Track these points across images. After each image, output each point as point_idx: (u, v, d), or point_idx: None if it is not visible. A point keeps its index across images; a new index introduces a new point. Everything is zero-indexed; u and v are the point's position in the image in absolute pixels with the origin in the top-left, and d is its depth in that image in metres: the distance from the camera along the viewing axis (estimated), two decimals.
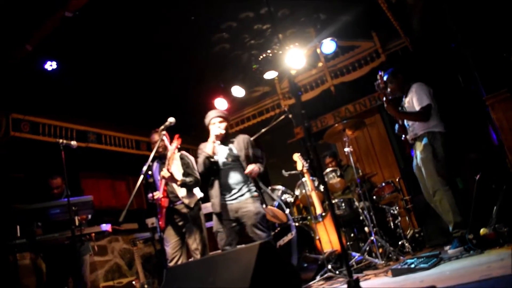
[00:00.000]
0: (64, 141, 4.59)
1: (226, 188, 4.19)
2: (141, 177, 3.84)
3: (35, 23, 5.28)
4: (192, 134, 8.73)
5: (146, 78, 6.98)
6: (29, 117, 6.40)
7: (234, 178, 4.22)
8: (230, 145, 4.37)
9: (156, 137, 4.71)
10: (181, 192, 4.55)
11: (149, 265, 7.27)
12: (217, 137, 4.29)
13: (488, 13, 4.72)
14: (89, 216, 5.43)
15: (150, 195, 4.40)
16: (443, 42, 6.13)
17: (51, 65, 5.82)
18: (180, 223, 4.54)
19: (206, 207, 4.97)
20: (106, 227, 5.03)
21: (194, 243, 4.44)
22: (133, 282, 6.33)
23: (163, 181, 4.36)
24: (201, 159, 4.21)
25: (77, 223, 4.64)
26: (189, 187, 4.54)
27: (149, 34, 6.10)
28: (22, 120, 6.27)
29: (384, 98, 4.54)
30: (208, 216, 4.70)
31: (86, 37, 5.71)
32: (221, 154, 4.30)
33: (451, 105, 5.62)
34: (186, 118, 8.74)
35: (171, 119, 4.21)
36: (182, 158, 4.73)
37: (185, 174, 4.60)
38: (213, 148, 4.22)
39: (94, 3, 5.08)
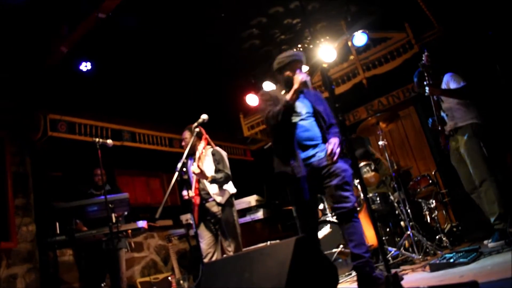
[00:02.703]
0: (100, 140, 4.69)
1: (301, 146, 3.42)
2: (176, 174, 3.87)
3: (69, 25, 5.41)
4: (224, 130, 8.75)
5: (178, 76, 7.06)
6: (66, 117, 6.56)
7: (312, 132, 3.48)
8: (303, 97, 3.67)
9: (186, 134, 4.74)
10: (212, 189, 4.57)
11: (184, 261, 7.37)
12: (302, 84, 3.42)
13: None
14: (126, 213, 5.55)
15: (184, 192, 4.44)
16: (479, 30, 5.93)
17: (86, 66, 5.96)
18: (212, 220, 4.56)
19: (236, 204, 4.98)
20: (142, 223, 5.12)
21: (227, 240, 4.47)
22: (169, 278, 6.43)
23: (194, 177, 4.39)
24: (276, 108, 3.41)
25: (113, 220, 4.74)
26: (220, 184, 4.55)
27: (181, 32, 6.17)
28: (59, 121, 6.44)
29: (426, 83, 4.48)
30: (241, 212, 4.71)
31: (120, 38, 5.82)
32: (298, 105, 3.57)
33: (488, 96, 5.45)
34: (219, 114, 8.81)
35: (204, 116, 4.22)
36: (213, 154, 4.74)
37: (216, 170, 4.61)
38: (294, 95, 3.42)
39: (127, 4, 5.16)
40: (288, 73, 3.61)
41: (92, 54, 5.98)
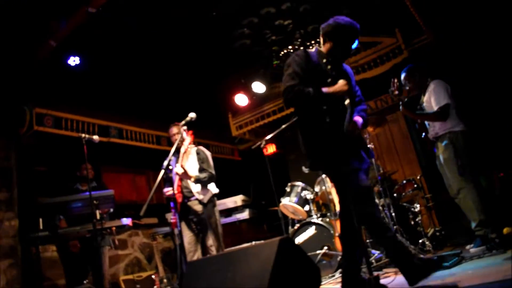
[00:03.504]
0: (87, 136, 4.65)
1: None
2: (162, 172, 3.85)
3: (59, 19, 5.36)
4: (212, 129, 8.74)
5: (167, 73, 7.03)
6: (52, 111, 6.50)
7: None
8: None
9: (174, 129, 4.73)
10: (195, 187, 4.56)
11: (168, 260, 7.34)
12: (341, 92, 3.08)
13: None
14: (111, 210, 5.51)
15: (166, 189, 4.42)
16: (468, 37, 6.00)
17: (74, 61, 5.90)
18: (194, 219, 4.55)
19: (222, 204, 4.98)
20: (127, 221, 5.08)
21: (209, 239, 4.46)
22: (153, 276, 6.40)
23: (176, 176, 4.36)
24: (306, 89, 3.05)
25: (98, 217, 4.70)
26: (204, 183, 4.54)
27: (171, 29, 6.14)
28: (45, 115, 6.37)
29: (400, 103, 4.50)
30: (222, 212, 4.71)
31: (109, 33, 5.78)
32: None
33: (475, 102, 5.52)
34: (208, 113, 8.80)
35: (192, 114, 4.19)
36: (198, 153, 4.72)
37: (200, 169, 4.60)
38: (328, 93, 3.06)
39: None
40: (337, 46, 3.26)
41: (82, 48, 5.92)
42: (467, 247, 4.40)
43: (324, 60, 3.14)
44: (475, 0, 5.19)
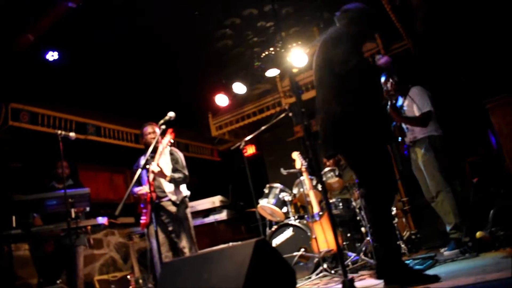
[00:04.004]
0: (63, 133, 4.58)
1: None
2: (139, 171, 3.82)
3: (38, 12, 5.27)
4: (192, 129, 8.70)
5: (147, 72, 6.97)
6: (29, 107, 6.39)
7: None
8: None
9: (149, 129, 4.66)
10: (168, 187, 4.51)
11: (144, 260, 7.26)
12: None
13: (491, 18, 4.72)
14: (87, 209, 5.43)
15: (137, 188, 4.35)
16: (446, 44, 6.11)
17: (52, 55, 5.81)
18: (166, 220, 4.48)
19: (200, 204, 4.95)
20: (103, 220, 5.01)
21: (182, 240, 4.41)
22: (128, 277, 6.32)
23: (151, 175, 4.25)
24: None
25: (73, 215, 4.62)
26: (177, 183, 4.51)
27: (152, 27, 6.09)
28: (21, 110, 6.25)
29: (389, 103, 4.53)
30: (200, 213, 4.67)
31: (89, 29, 5.70)
32: None
33: (451, 108, 5.62)
34: (187, 113, 8.74)
35: (171, 114, 4.15)
36: (171, 153, 4.68)
37: (174, 169, 4.56)
38: None
39: None
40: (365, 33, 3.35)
41: (61, 43, 5.83)
42: (442, 250, 4.48)
43: None
44: (453, 9, 5.28)
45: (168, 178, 4.36)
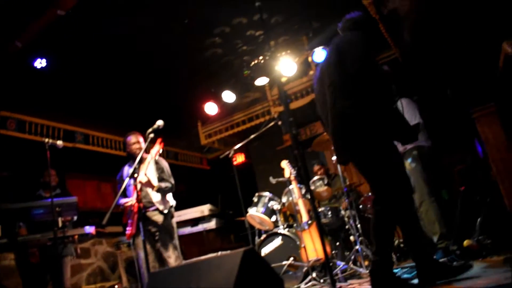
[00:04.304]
0: (50, 141, 4.54)
1: None
2: (126, 180, 3.78)
3: (26, 19, 5.24)
4: (181, 137, 8.67)
5: (136, 80, 6.96)
6: (16, 114, 6.34)
7: None
8: None
9: (133, 138, 4.61)
10: (155, 197, 4.47)
11: (132, 270, 7.19)
12: None
13: (476, 28, 4.79)
14: (75, 218, 5.38)
15: (123, 200, 4.28)
16: (433, 54, 6.17)
17: (40, 63, 5.77)
18: (153, 230, 4.43)
19: (189, 213, 4.92)
20: (90, 229, 4.97)
21: (168, 250, 4.37)
22: (116, 286, 6.26)
23: (138, 185, 4.17)
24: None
25: (60, 224, 4.57)
26: (164, 193, 4.48)
27: (142, 35, 6.09)
28: (8, 118, 6.20)
29: None
30: (189, 222, 4.63)
31: (78, 37, 5.68)
32: None
33: (438, 117, 5.67)
34: (177, 121, 8.72)
35: (160, 122, 4.10)
36: (157, 163, 4.63)
37: (160, 179, 4.53)
38: None
39: (87, 2, 5.06)
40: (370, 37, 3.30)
41: (49, 51, 5.80)
42: None
43: None
44: (441, 19, 5.34)
45: (155, 188, 4.32)
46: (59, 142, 4.65)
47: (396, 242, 5.96)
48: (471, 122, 4.25)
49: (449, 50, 5.42)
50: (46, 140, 4.52)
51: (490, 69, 4.35)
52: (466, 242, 4.02)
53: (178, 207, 5.37)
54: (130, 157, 4.60)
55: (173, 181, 4.59)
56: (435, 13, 5.28)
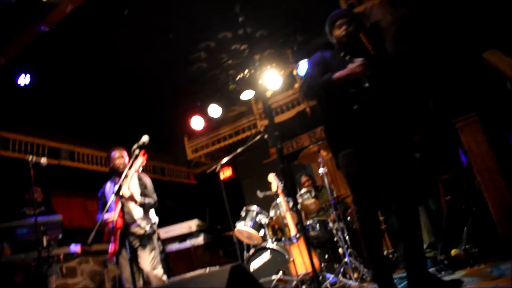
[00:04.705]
0: (34, 158, 4.48)
1: None
2: (113, 197, 3.73)
3: (10, 34, 5.21)
4: (168, 152, 8.63)
5: (121, 95, 6.93)
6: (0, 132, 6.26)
7: None
8: None
9: (117, 153, 4.56)
10: (138, 213, 4.42)
11: None
12: (353, 74, 2.99)
13: (456, 37, 4.88)
14: (59, 236, 5.29)
15: (106, 215, 4.19)
16: (415, 65, 6.26)
17: (24, 79, 5.72)
18: (136, 245, 4.36)
19: (177, 229, 4.85)
20: (75, 248, 4.89)
21: (151, 267, 4.29)
22: None
23: (120, 201, 4.07)
24: (321, 79, 3.06)
25: (45, 243, 4.49)
26: (147, 208, 4.43)
27: (126, 50, 6.08)
28: None
29: None
30: (177, 238, 4.55)
31: (62, 53, 5.65)
32: None
33: (422, 128, 5.73)
34: (163, 136, 8.69)
35: (145, 138, 4.05)
36: (139, 178, 4.58)
37: (142, 194, 4.48)
38: (341, 80, 3.00)
39: (71, 19, 5.06)
40: (336, 32, 3.23)
41: (33, 68, 5.76)
42: None
43: (342, 54, 3.18)
44: (423, 32, 5.44)
45: (138, 203, 4.26)
46: (43, 160, 4.59)
47: (385, 253, 5.96)
48: (454, 132, 4.31)
49: (431, 61, 5.50)
50: (30, 158, 4.46)
51: (471, 79, 4.42)
52: (453, 252, 4.04)
53: (166, 223, 5.31)
54: (113, 173, 4.55)
55: (156, 197, 4.54)
56: (416, 25, 5.37)
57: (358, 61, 2.97)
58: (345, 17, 3.19)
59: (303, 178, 6.36)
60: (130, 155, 3.97)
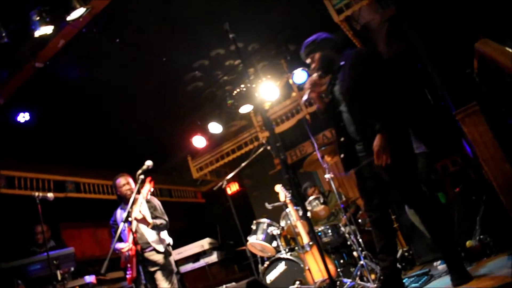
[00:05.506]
0: (40, 194, 4.48)
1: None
2: (121, 224, 3.72)
3: (6, 75, 5.25)
4: (173, 174, 8.66)
5: (121, 123, 6.96)
6: (4, 171, 6.27)
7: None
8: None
9: (122, 180, 4.55)
10: (151, 237, 4.41)
11: None
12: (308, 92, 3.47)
13: (450, 31, 4.89)
14: (72, 269, 5.28)
15: (120, 245, 4.19)
16: (409, 63, 6.28)
17: (24, 117, 5.76)
18: (152, 269, 4.35)
19: (188, 249, 4.82)
20: (90, 278, 4.88)
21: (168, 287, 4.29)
22: None
23: (134, 225, 4.07)
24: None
25: (59, 277, 4.48)
26: (159, 230, 4.43)
27: (122, 78, 6.13)
28: None
29: None
30: (190, 258, 4.52)
31: (58, 86, 5.70)
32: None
33: (423, 123, 5.73)
34: (165, 159, 8.71)
35: (149, 162, 4.07)
36: (148, 201, 4.57)
37: (153, 217, 4.47)
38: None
39: (65, 52, 5.10)
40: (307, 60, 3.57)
41: (30, 104, 5.80)
42: (435, 264, 4.47)
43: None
44: (412, 26, 5.45)
45: (150, 225, 4.25)
46: (50, 195, 4.60)
47: (400, 251, 5.92)
48: (456, 124, 4.31)
49: (425, 55, 5.51)
50: (36, 194, 4.46)
51: (468, 70, 4.43)
52: (468, 243, 4.01)
53: (178, 244, 5.28)
54: (121, 200, 4.55)
55: (166, 218, 4.53)
56: (407, 20, 5.38)
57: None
58: (307, 55, 3.56)
59: (310, 190, 6.32)
60: (135, 181, 3.99)
